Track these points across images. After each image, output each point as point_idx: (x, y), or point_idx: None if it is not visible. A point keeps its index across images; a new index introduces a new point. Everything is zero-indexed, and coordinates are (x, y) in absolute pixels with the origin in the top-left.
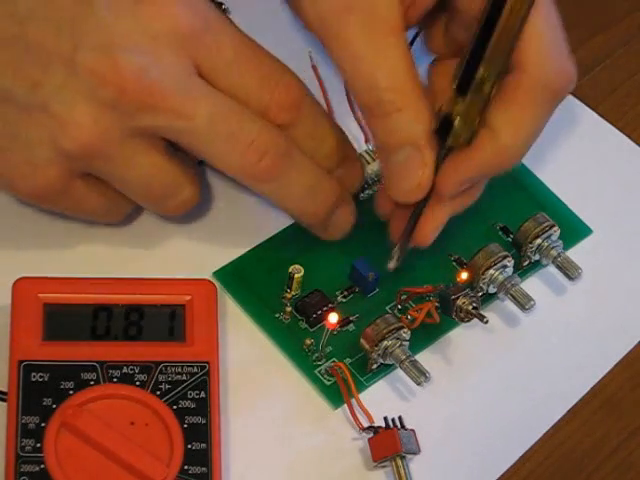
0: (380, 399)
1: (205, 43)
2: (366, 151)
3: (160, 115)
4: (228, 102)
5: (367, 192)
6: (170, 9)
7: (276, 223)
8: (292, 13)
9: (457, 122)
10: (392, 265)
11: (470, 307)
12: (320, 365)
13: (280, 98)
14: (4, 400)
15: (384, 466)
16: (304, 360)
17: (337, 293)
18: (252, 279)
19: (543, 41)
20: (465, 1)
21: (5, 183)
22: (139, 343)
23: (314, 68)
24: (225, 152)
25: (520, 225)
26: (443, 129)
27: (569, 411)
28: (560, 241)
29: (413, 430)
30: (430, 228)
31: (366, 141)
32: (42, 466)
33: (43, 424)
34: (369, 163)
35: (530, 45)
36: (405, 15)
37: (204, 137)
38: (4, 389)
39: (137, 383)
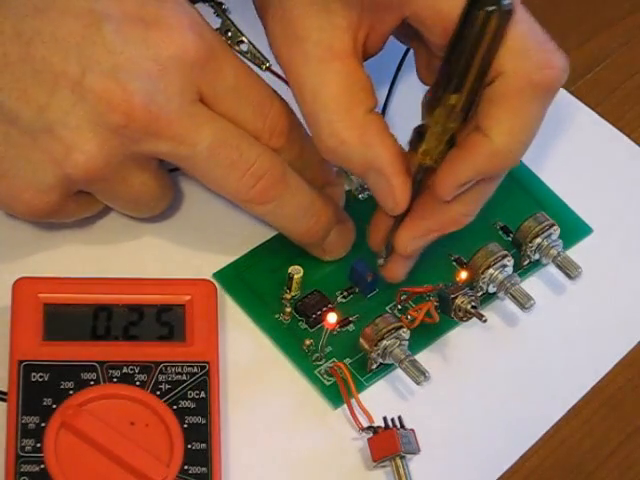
0: (380, 399)
1: (209, 70)
2: None
3: (164, 142)
4: (229, 128)
5: (367, 192)
6: (179, 36)
7: None
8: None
9: (425, 141)
10: (380, 262)
11: (469, 306)
12: (320, 365)
13: (272, 124)
14: (4, 400)
15: (384, 466)
16: (304, 360)
17: (337, 293)
18: (252, 280)
19: (519, 43)
20: (436, 35)
21: (4, 206)
22: (139, 343)
23: None
24: (223, 177)
25: (520, 224)
26: (416, 142)
27: (569, 411)
28: (560, 240)
29: (413, 430)
30: (406, 237)
31: None
32: (42, 466)
33: (43, 424)
34: None
35: (506, 51)
36: (367, 42)
37: (204, 163)
38: (4, 389)
39: (137, 383)
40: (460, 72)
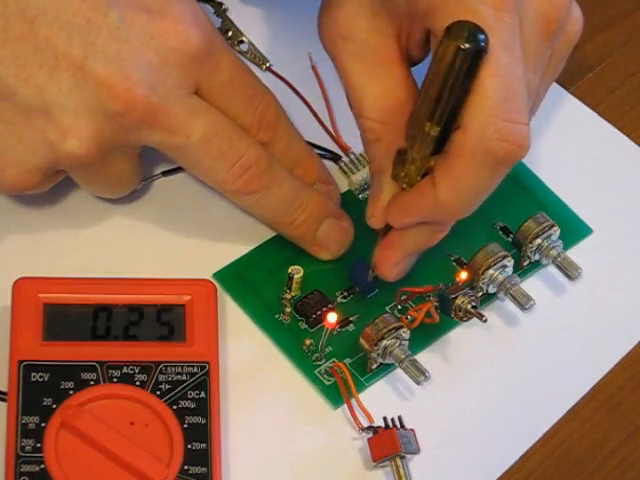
0: (380, 399)
1: (207, 64)
2: (360, 154)
3: (158, 132)
4: (222, 120)
5: (367, 192)
6: (182, 28)
7: None
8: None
9: (405, 166)
10: (371, 273)
11: (469, 306)
12: (320, 365)
13: (261, 117)
14: (4, 400)
15: (384, 466)
16: (304, 360)
17: (337, 294)
18: (252, 280)
19: (489, 102)
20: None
21: None
22: (139, 343)
23: (314, 68)
24: (212, 167)
25: (520, 225)
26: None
27: (569, 411)
28: (560, 241)
29: (413, 430)
30: (384, 257)
31: None
32: (42, 466)
33: (43, 424)
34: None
35: (474, 104)
36: (408, 49)
37: (195, 153)
38: (4, 389)
39: (137, 383)
40: (431, 99)
